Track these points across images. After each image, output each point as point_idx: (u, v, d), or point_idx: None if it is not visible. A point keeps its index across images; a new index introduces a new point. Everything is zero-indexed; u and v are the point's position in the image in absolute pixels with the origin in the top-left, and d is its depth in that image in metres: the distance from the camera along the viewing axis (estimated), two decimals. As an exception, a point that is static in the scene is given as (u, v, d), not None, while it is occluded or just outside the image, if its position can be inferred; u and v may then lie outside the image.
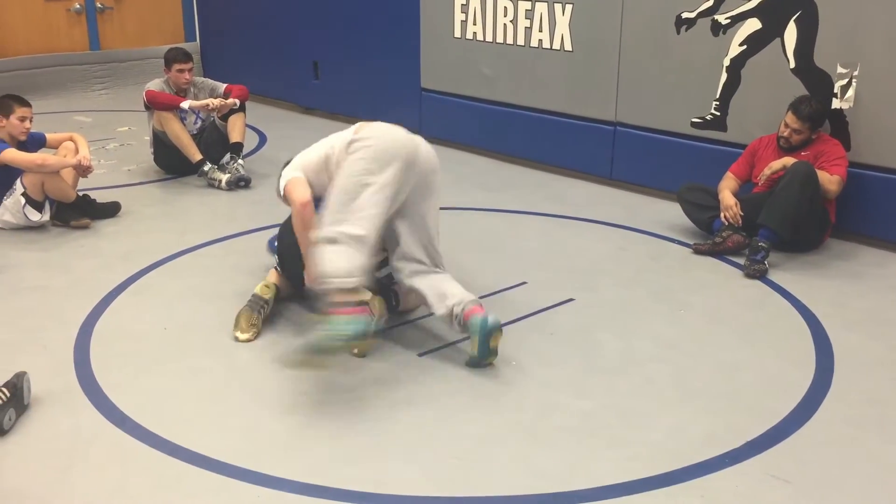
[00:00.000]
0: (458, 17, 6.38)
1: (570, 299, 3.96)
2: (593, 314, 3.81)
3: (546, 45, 5.90)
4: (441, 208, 4.82)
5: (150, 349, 3.48)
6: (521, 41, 6.04)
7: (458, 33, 6.42)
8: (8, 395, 2.88)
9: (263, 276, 4.18)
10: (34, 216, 4.73)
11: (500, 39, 6.16)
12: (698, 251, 4.49)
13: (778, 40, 4.79)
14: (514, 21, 6.04)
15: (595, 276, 4.26)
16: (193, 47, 9.21)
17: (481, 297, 3.93)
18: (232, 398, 3.12)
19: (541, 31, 5.91)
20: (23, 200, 4.69)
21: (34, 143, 4.91)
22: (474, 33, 6.32)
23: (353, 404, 3.08)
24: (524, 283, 4.15)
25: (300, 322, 3.72)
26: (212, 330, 3.64)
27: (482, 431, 2.91)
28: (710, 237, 4.56)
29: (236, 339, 3.51)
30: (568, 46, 5.78)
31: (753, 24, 4.87)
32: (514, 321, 3.72)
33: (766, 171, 4.46)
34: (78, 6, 8.76)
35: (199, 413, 3.01)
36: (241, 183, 5.66)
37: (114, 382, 3.18)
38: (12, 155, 4.62)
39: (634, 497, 2.57)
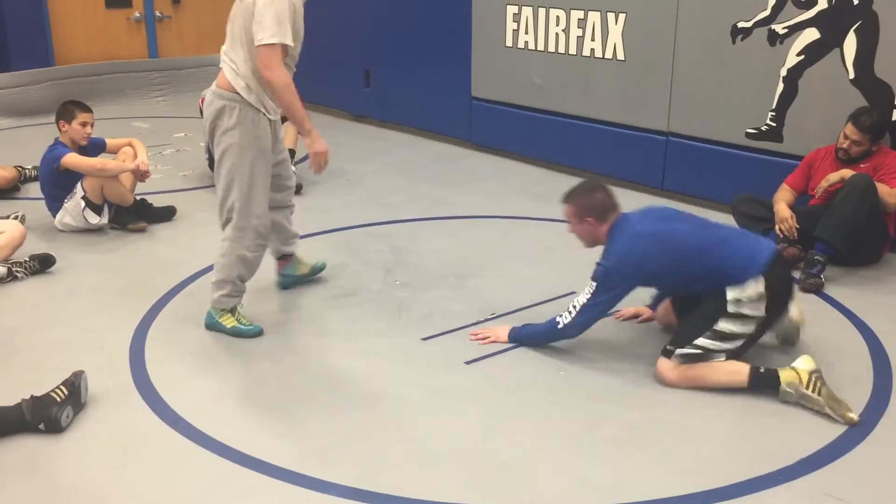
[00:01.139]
0: (510, 26, 6.38)
1: (618, 309, 3.92)
2: (644, 324, 3.77)
3: (598, 54, 5.88)
4: (492, 216, 4.85)
5: (203, 350, 3.54)
6: (573, 50, 6.02)
7: (509, 42, 6.43)
8: (66, 393, 2.96)
9: (311, 281, 4.24)
10: (93, 219, 4.85)
11: (551, 49, 6.15)
12: None
13: (837, 50, 4.70)
14: (567, 30, 6.03)
15: (645, 287, 4.21)
16: (248, 55, 9.35)
17: (529, 307, 3.94)
18: (283, 401, 3.15)
19: (593, 40, 5.89)
20: (83, 204, 4.81)
21: (94, 147, 5.04)
22: (526, 42, 6.32)
23: (400, 411, 3.09)
24: (573, 292, 4.12)
25: (350, 323, 3.76)
26: (265, 331, 3.69)
27: (530, 441, 2.90)
28: None
29: None
30: (621, 56, 5.75)
31: (812, 34, 4.79)
32: (562, 331, 3.70)
33: (824, 184, 4.38)
34: (138, 14, 8.99)
35: (251, 415, 3.06)
36: (292, 189, 5.73)
37: (167, 382, 3.25)
38: (73, 159, 4.75)
39: (684, 512, 2.54)
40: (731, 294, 3.13)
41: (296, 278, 4.18)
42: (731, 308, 3.13)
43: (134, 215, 4.99)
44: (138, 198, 5.07)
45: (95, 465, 2.74)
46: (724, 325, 3.14)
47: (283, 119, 5.83)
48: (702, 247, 3.20)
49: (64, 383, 2.99)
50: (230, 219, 3.60)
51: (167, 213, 5.16)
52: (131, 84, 8.94)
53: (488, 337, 3.59)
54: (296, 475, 2.68)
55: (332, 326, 3.78)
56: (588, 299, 3.32)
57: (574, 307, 3.36)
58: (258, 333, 3.64)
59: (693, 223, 3.35)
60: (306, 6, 3.60)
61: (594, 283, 3.32)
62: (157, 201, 5.23)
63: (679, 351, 3.20)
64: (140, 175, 4.97)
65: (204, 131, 3.65)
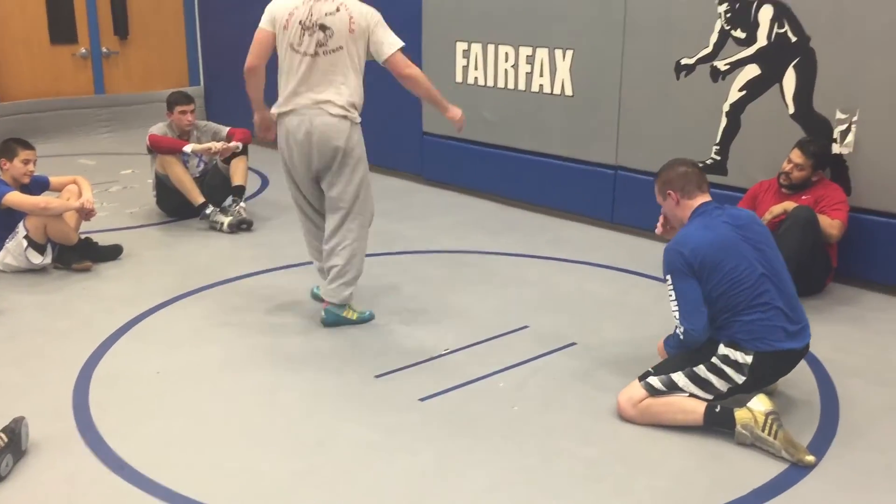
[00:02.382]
0: (460, 62, 6.45)
1: (572, 343, 3.94)
2: (596, 358, 3.79)
3: (547, 90, 5.96)
4: (442, 251, 4.89)
5: (149, 393, 3.45)
6: (522, 86, 6.10)
7: (459, 78, 6.49)
8: (6, 440, 2.85)
9: (263, 317, 4.19)
10: (36, 259, 4.73)
11: (501, 84, 6.23)
12: None
13: (777, 86, 4.83)
14: (516, 66, 6.11)
15: (597, 320, 4.25)
16: (197, 91, 9.30)
17: (483, 342, 3.94)
18: (231, 443, 3.08)
19: (542, 76, 5.97)
20: (25, 243, 4.69)
21: (37, 186, 4.93)
22: (476, 78, 6.38)
23: (354, 451, 3.04)
24: (526, 326, 4.14)
25: (302, 362, 3.71)
26: (211, 373, 3.63)
27: (486, 478, 2.87)
28: None
29: None
30: (569, 91, 5.84)
31: (752, 70, 4.93)
32: (515, 365, 3.70)
33: (767, 216, 4.47)
34: (84, 51, 8.88)
35: (199, 458, 2.98)
36: (242, 226, 5.68)
37: (112, 427, 3.15)
38: (15, 198, 4.64)
39: (640, 546, 2.53)
40: (721, 349, 3.16)
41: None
42: (714, 360, 3.15)
43: (78, 254, 4.88)
44: (83, 236, 4.97)
45: (36, 516, 2.65)
46: (701, 371, 3.16)
47: (233, 155, 5.87)
48: (747, 290, 3.09)
49: (3, 430, 2.89)
50: (361, 217, 4.04)
51: (113, 252, 5.06)
52: (77, 121, 8.81)
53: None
54: (247, 520, 2.62)
55: (283, 365, 3.72)
56: (673, 297, 3.20)
57: (674, 313, 3.22)
58: (373, 316, 4.18)
59: (768, 268, 3.16)
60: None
61: (668, 276, 3.22)
62: (103, 239, 5.12)
63: (652, 379, 3.21)
64: (85, 213, 4.87)
65: (317, 152, 3.93)
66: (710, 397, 3.15)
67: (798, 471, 2.91)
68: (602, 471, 2.92)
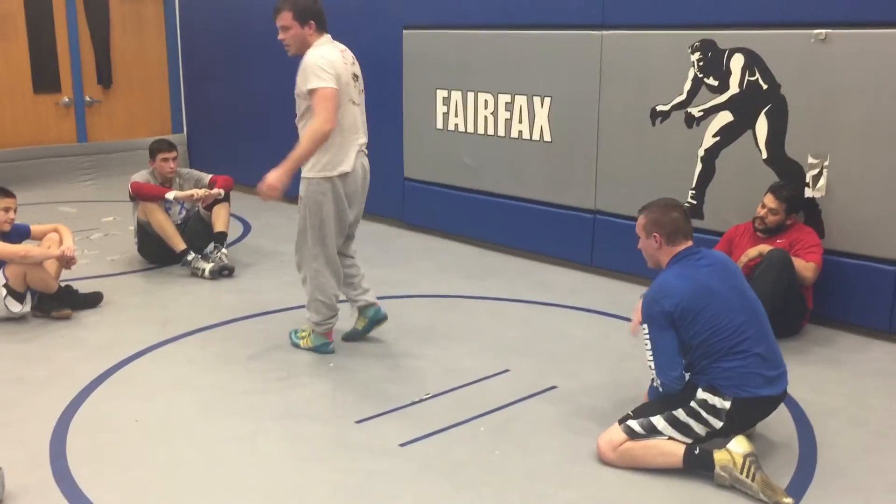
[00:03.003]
0: (440, 109, 6.55)
1: (553, 387, 3.96)
2: (576, 402, 3.81)
3: (526, 136, 6.05)
4: (423, 295, 4.94)
5: (127, 441, 3.43)
6: (501, 132, 6.19)
7: (440, 125, 6.58)
8: (-19, 491, 2.82)
9: (243, 364, 4.18)
10: (15, 307, 4.71)
11: (480, 131, 6.32)
12: None
13: (750, 132, 4.94)
14: (495, 113, 6.20)
15: (578, 363, 4.27)
16: (180, 139, 9.37)
17: (463, 386, 3.95)
18: (209, 491, 3.06)
19: (521, 122, 6.07)
20: (4, 291, 4.68)
21: (18, 234, 4.92)
22: (456, 125, 6.48)
23: (332, 495, 3.03)
24: (507, 370, 4.15)
25: (282, 408, 3.70)
26: (191, 421, 3.61)
27: (465, 524, 2.87)
28: None
29: None
30: (547, 137, 5.93)
31: (726, 117, 5.04)
32: (496, 410, 3.70)
33: (743, 259, 4.54)
34: (66, 100, 8.93)
35: (177, 508, 2.96)
36: (224, 272, 5.69)
37: (89, 477, 3.13)
38: (-5, 246, 4.64)
39: (620, 591, 2.52)
40: (699, 394, 3.18)
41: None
42: (693, 404, 3.18)
43: (58, 302, 4.86)
44: (63, 284, 4.96)
45: (11, 568, 2.61)
46: (680, 415, 3.18)
47: (215, 202, 5.90)
48: (727, 337, 3.12)
49: (-21, 481, 2.86)
50: None
51: (93, 300, 5.05)
52: (59, 169, 8.84)
53: None
54: (224, 569, 2.60)
55: (264, 412, 3.71)
56: (649, 347, 3.23)
57: (649, 363, 3.26)
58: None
59: (747, 315, 3.19)
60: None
61: (644, 325, 3.24)
62: (84, 287, 5.12)
63: (631, 422, 3.22)
64: (65, 262, 4.87)
65: (363, 191, 4.31)
66: (689, 441, 3.17)
67: (776, 513, 2.93)
68: (582, 515, 2.93)
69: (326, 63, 3.91)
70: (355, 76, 4.12)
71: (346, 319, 4.53)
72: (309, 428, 3.56)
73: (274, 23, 4.08)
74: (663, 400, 3.27)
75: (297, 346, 4.40)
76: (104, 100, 9.22)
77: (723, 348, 3.14)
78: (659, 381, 3.24)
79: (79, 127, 9.04)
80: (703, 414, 3.16)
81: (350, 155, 4.08)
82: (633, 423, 3.22)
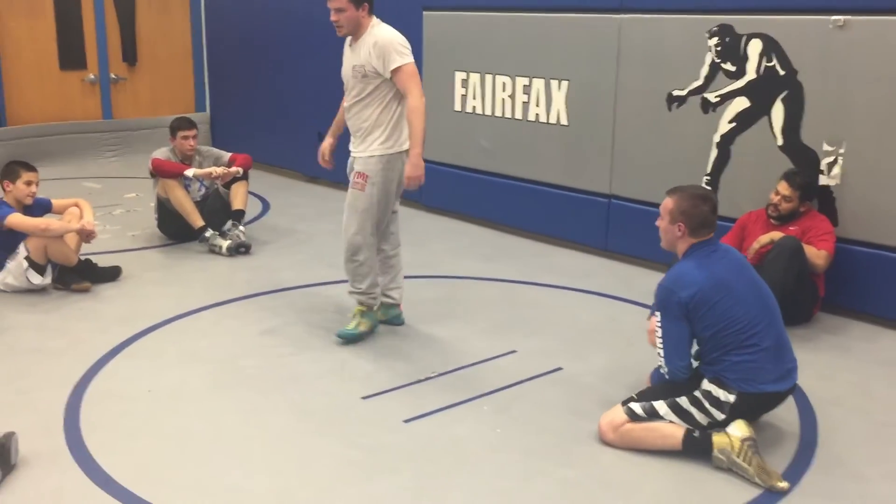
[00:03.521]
0: (459, 91, 6.56)
1: (559, 368, 3.99)
2: (580, 383, 3.84)
3: (543, 119, 6.06)
4: (437, 276, 4.96)
5: (139, 411, 3.52)
6: (518, 115, 6.20)
7: (458, 107, 6.60)
8: (-5, 454, 2.92)
9: (256, 339, 4.26)
10: (36, 279, 4.82)
11: (498, 113, 6.33)
12: None
13: (766, 118, 4.91)
14: (512, 96, 6.21)
15: (585, 345, 4.30)
16: (203, 117, 9.46)
17: (470, 366, 3.99)
18: (217, 461, 3.14)
19: (538, 105, 6.07)
20: (25, 264, 4.79)
21: (39, 207, 5.03)
22: (474, 107, 6.49)
23: (334, 468, 3.10)
24: (514, 351, 4.20)
25: (291, 383, 3.77)
26: (201, 393, 3.70)
27: (464, 498, 2.92)
28: None
29: None
30: (564, 121, 5.93)
31: (742, 103, 5.01)
32: (500, 389, 3.75)
33: (755, 245, 4.53)
34: (92, 77, 9.05)
35: (184, 476, 3.04)
36: (241, 249, 5.77)
37: (101, 444, 3.22)
38: (17, 219, 4.74)
39: (611, 567, 2.57)
40: (704, 384, 3.21)
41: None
42: (697, 393, 3.20)
43: (78, 275, 4.97)
44: (83, 258, 5.06)
45: (22, 528, 2.71)
46: (683, 402, 3.20)
47: (234, 180, 5.98)
48: (739, 331, 3.13)
49: (-7, 445, 2.96)
50: None
51: (112, 273, 5.15)
52: (84, 145, 8.97)
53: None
54: (226, 536, 2.68)
55: (273, 385, 3.78)
56: (661, 334, 3.24)
57: (659, 350, 3.28)
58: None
59: (760, 310, 3.19)
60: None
61: (658, 313, 3.25)
62: (104, 261, 5.22)
63: (634, 405, 3.25)
64: (85, 236, 4.97)
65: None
66: (686, 427, 3.20)
67: (771, 496, 2.95)
68: (580, 492, 2.97)
69: (403, 40, 4.01)
70: None
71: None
72: (316, 402, 3.63)
73: (326, 3, 3.99)
74: (667, 386, 3.29)
75: (355, 337, 4.24)
76: (129, 77, 9.33)
77: (733, 342, 3.15)
78: (666, 369, 3.26)
79: (104, 104, 9.16)
80: (706, 405, 3.18)
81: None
82: (636, 406, 3.25)
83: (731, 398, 3.14)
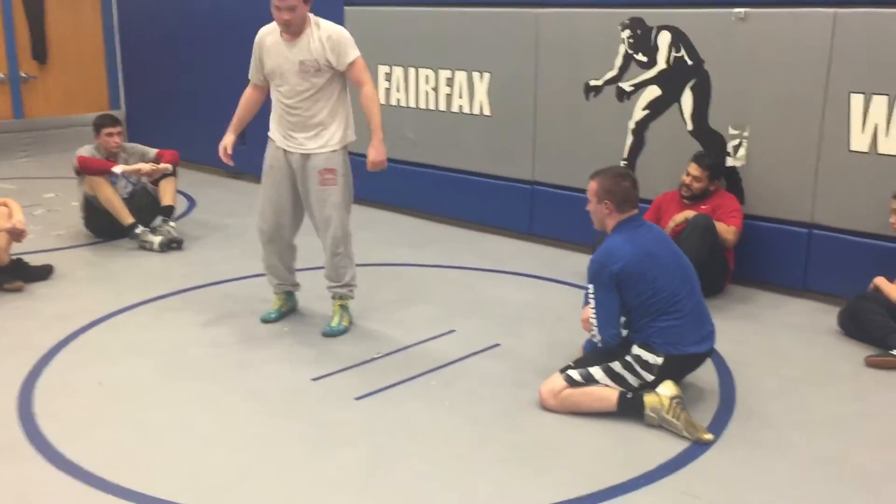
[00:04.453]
0: (383, 84, 6.72)
1: (497, 345, 4.22)
2: (518, 357, 4.08)
3: (466, 110, 6.28)
4: (370, 264, 5.12)
5: (93, 402, 3.58)
6: (442, 107, 6.41)
7: (382, 100, 6.74)
8: (-44, 448, 2.95)
9: (199, 330, 4.33)
10: (-34, 280, 4.77)
11: (422, 106, 6.52)
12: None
13: (676, 105, 5.26)
14: (436, 89, 6.41)
15: (519, 323, 4.54)
16: (118, 115, 9.29)
17: (413, 346, 4.18)
18: (178, 444, 3.25)
19: (461, 97, 6.29)
20: (-45, 264, 4.73)
21: (-34, 208, 4.96)
22: (398, 100, 6.66)
23: (293, 446, 3.24)
24: (452, 331, 4.40)
25: (239, 370, 3.88)
26: (153, 383, 3.77)
27: (419, 465, 3.11)
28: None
29: None
30: (487, 112, 6.17)
31: (654, 91, 5.34)
32: (444, 366, 3.95)
33: (671, 224, 4.86)
34: (2, 76, 8.81)
35: (148, 458, 3.13)
36: (173, 245, 5.79)
37: (60, 434, 3.27)
38: (-54, 220, 4.68)
39: (561, 516, 2.81)
40: (634, 349, 3.47)
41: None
42: (628, 358, 3.47)
43: (9, 275, 4.92)
44: (14, 257, 5.02)
45: (-8, 517, 2.76)
46: (616, 367, 3.47)
47: (163, 176, 5.98)
48: (664, 299, 3.40)
49: (-46, 438, 2.99)
50: None
51: (44, 272, 5.12)
52: (-5, 145, 8.73)
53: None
54: (198, 510, 2.80)
55: (223, 373, 3.89)
56: (593, 305, 3.48)
57: (592, 320, 3.51)
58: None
59: (682, 279, 3.48)
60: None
61: (590, 285, 3.49)
62: (34, 261, 5.18)
63: (571, 371, 3.50)
64: (16, 235, 4.93)
65: None
66: (621, 390, 3.47)
67: (699, 447, 3.25)
68: (526, 454, 3.20)
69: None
70: None
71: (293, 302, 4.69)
72: (267, 385, 3.75)
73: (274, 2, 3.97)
74: (601, 353, 3.56)
75: (342, 332, 4.34)
76: (40, 76, 9.12)
77: (659, 308, 3.43)
78: (599, 337, 3.53)
79: (14, 103, 8.92)
80: (637, 367, 3.46)
81: None
82: (573, 373, 3.51)
83: (659, 360, 3.43)
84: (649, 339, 3.46)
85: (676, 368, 3.50)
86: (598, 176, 3.63)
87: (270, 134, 4.31)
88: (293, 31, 4.05)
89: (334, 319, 4.39)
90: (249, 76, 4.30)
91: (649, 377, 3.45)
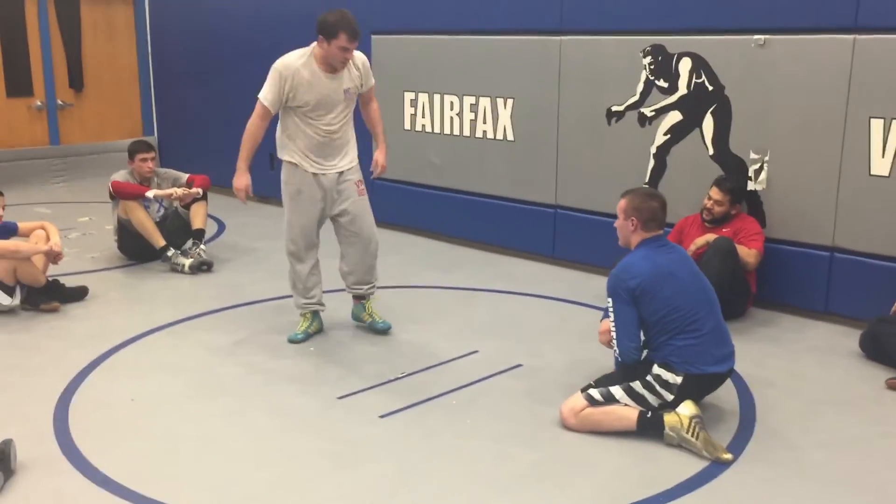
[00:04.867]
0: (408, 110, 6.86)
1: (519, 365, 4.29)
2: (540, 377, 4.14)
3: (490, 135, 6.39)
4: (397, 286, 5.21)
5: (125, 418, 3.69)
6: (466, 132, 6.53)
7: (407, 126, 6.89)
8: (-4, 460, 3.07)
9: (228, 349, 4.44)
10: (5, 300, 4.92)
11: (447, 131, 6.64)
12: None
13: (697, 130, 5.33)
14: (460, 114, 6.54)
15: (541, 344, 4.61)
16: (152, 141, 9.54)
17: (437, 365, 4.26)
18: (206, 458, 3.34)
19: (485, 122, 6.41)
20: (-6, 285, 4.89)
21: (6, 230, 5.13)
22: (423, 126, 6.79)
23: (317, 462, 3.33)
24: (476, 351, 4.47)
25: (267, 387, 3.98)
26: (183, 399, 3.88)
27: (441, 482, 3.18)
28: None
29: None
30: (510, 137, 6.27)
31: (675, 116, 5.42)
32: (467, 385, 4.02)
33: (692, 247, 4.91)
34: (39, 103, 9.09)
35: (178, 472, 3.23)
36: (203, 267, 5.93)
37: (93, 448, 3.38)
38: (-13, 242, 4.84)
39: (580, 532, 2.86)
40: (654, 369, 3.52)
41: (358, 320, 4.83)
42: (649, 378, 3.52)
43: (46, 296, 5.08)
44: (50, 278, 5.18)
45: (29, 526, 2.87)
46: (637, 387, 3.52)
47: (194, 201, 6.13)
48: (681, 317, 3.46)
49: (-6, 451, 3.11)
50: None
51: (79, 293, 5.27)
52: (32, 171, 9.01)
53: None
54: (226, 522, 2.88)
55: (250, 390, 3.99)
56: (612, 317, 3.56)
57: (612, 333, 3.59)
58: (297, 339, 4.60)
59: (701, 300, 3.54)
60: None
61: (609, 299, 3.58)
62: (69, 282, 5.33)
63: (592, 391, 3.56)
64: (53, 257, 5.09)
65: None
66: (642, 409, 3.52)
67: (718, 467, 3.28)
68: (546, 471, 3.26)
69: None
70: None
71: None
72: (294, 403, 3.85)
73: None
74: (622, 373, 3.62)
75: (388, 330, 4.71)
76: (76, 103, 9.39)
77: (677, 326, 3.49)
78: (618, 351, 3.59)
79: (51, 130, 9.21)
80: (657, 387, 3.51)
81: None
82: (594, 392, 3.56)
83: (679, 380, 3.48)
84: (668, 357, 3.51)
85: (696, 388, 3.55)
86: (629, 194, 3.73)
87: (292, 160, 4.44)
88: (343, 67, 4.31)
89: (377, 315, 4.73)
90: (268, 105, 4.32)
91: (669, 396, 3.50)
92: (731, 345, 3.66)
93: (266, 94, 4.31)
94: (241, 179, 4.43)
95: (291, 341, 4.56)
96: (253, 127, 4.41)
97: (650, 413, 3.48)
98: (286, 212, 4.54)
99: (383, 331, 4.68)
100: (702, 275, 3.71)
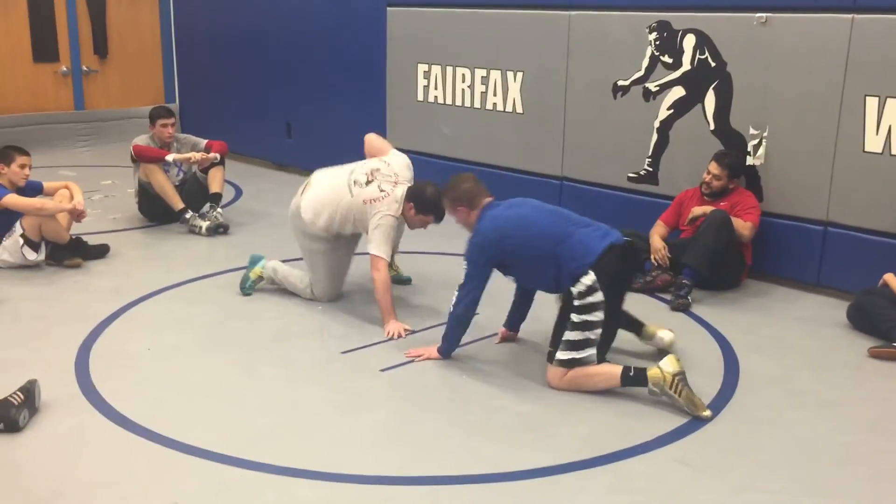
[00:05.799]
0: (421, 82, 7.02)
1: (496, 334, 4.44)
2: (539, 337, 4.32)
3: (500, 108, 6.54)
4: (406, 252, 5.40)
5: (142, 366, 3.93)
6: (477, 104, 6.68)
7: (420, 97, 7.06)
8: (22, 397, 3.32)
9: (239, 306, 4.66)
10: (31, 255, 5.18)
11: (458, 103, 6.81)
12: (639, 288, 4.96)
13: (699, 105, 5.46)
14: (472, 87, 6.69)
15: (541, 308, 4.77)
16: (173, 107, 9.75)
17: (438, 325, 4.45)
18: (216, 403, 3.58)
19: (495, 95, 6.56)
20: (21, 241, 5.14)
21: (32, 189, 5.38)
22: (435, 97, 6.96)
23: (321, 407, 3.55)
24: (477, 313, 4.65)
25: (275, 342, 4.21)
26: (196, 350, 4.12)
27: (436, 429, 3.39)
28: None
29: None
30: (519, 109, 6.43)
31: (678, 92, 5.55)
32: (465, 344, 4.21)
33: (689, 217, 5.07)
34: (65, 69, 9.33)
35: (190, 414, 3.47)
36: (220, 230, 6.16)
37: (112, 391, 3.63)
38: (14, 199, 5.09)
39: (559, 476, 3.07)
40: (573, 290, 3.70)
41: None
42: (576, 302, 3.69)
43: (70, 252, 5.33)
44: (73, 236, 5.42)
45: (52, 458, 3.11)
46: (576, 317, 3.68)
47: (211, 165, 6.34)
48: (550, 236, 3.75)
49: (20, 389, 3.35)
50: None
51: (101, 251, 5.52)
52: (57, 135, 9.26)
53: (422, 355, 4.04)
54: (233, 458, 3.11)
55: (259, 344, 4.21)
56: (464, 276, 3.89)
57: (457, 289, 3.92)
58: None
59: (551, 216, 3.87)
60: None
61: (465, 262, 3.88)
62: (91, 241, 5.57)
63: (558, 355, 3.74)
64: (76, 215, 5.33)
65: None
66: (597, 332, 3.68)
67: (696, 423, 3.47)
68: (534, 422, 3.46)
69: None
70: None
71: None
72: (299, 356, 4.07)
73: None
74: (558, 322, 3.77)
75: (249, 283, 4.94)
76: (100, 69, 9.63)
77: (549, 245, 3.73)
78: (454, 307, 3.92)
79: (76, 95, 9.45)
80: (587, 300, 3.65)
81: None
82: (560, 354, 3.73)
83: (592, 277, 3.64)
84: (568, 269, 3.69)
85: (611, 273, 3.68)
86: (444, 194, 4.15)
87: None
88: None
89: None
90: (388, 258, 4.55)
91: (600, 297, 3.63)
92: (605, 226, 3.86)
93: (385, 251, 4.51)
94: (397, 325, 4.40)
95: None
96: (388, 281, 4.46)
97: (633, 370, 3.66)
98: (320, 266, 4.76)
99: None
100: (548, 205, 3.98)
